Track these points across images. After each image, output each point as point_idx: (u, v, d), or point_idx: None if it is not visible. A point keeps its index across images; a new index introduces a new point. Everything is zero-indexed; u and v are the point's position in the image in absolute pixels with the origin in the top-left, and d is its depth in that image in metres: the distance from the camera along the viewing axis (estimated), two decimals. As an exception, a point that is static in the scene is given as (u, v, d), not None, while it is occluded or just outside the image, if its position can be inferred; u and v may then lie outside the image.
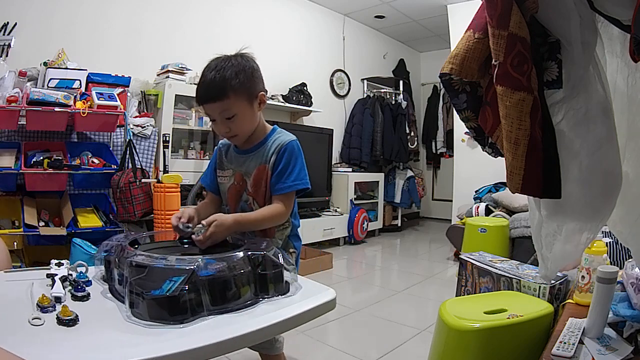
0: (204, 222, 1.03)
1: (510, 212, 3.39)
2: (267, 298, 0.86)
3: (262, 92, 1.17)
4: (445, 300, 1.29)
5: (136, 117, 2.97)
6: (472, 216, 3.50)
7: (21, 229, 2.33)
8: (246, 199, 1.22)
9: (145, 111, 3.05)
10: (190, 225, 1.09)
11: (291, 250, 1.26)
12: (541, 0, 0.71)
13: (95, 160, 2.64)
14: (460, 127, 4.39)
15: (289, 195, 1.18)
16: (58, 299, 0.80)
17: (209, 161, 1.39)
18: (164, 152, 2.98)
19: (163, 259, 0.81)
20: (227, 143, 1.30)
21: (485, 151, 0.89)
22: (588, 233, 0.79)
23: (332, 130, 4.66)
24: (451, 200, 4.70)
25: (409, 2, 4.66)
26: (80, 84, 2.61)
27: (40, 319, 0.71)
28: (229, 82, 1.08)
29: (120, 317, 0.75)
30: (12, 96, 2.28)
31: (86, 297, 0.84)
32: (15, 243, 2.39)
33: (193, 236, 1.03)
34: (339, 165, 4.81)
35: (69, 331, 0.69)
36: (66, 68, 2.61)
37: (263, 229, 1.20)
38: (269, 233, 1.21)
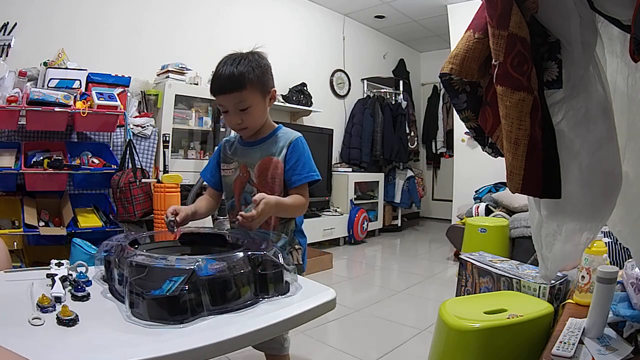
0: (255, 197, 1.05)
1: (510, 212, 3.39)
2: (267, 298, 0.86)
3: (274, 89, 1.24)
4: (445, 300, 1.29)
5: (136, 117, 2.97)
6: (472, 216, 3.50)
7: (21, 229, 2.33)
8: (250, 190, 1.24)
9: (145, 111, 3.05)
10: (175, 223, 1.12)
11: (297, 246, 1.27)
12: (541, 0, 0.71)
13: (95, 160, 2.64)
14: (460, 127, 4.39)
15: (305, 187, 1.22)
16: (58, 299, 0.80)
17: (209, 160, 1.39)
18: (164, 152, 2.98)
19: (163, 259, 0.81)
20: (231, 139, 1.33)
21: (485, 151, 0.89)
22: (588, 233, 0.79)
23: (332, 130, 4.66)
24: (451, 200, 4.70)
25: (409, 2, 4.66)
26: (80, 84, 2.61)
27: (40, 319, 0.71)
28: (247, 75, 1.14)
29: (120, 317, 0.75)
30: (12, 96, 2.28)
31: (86, 297, 0.84)
32: (15, 243, 2.39)
33: (241, 213, 1.04)
34: (339, 165, 4.81)
35: (69, 331, 0.69)
36: (66, 68, 2.61)
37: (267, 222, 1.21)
38: (274, 224, 1.23)
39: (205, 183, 1.38)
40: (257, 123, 1.23)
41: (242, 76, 1.13)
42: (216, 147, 1.38)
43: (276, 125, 1.30)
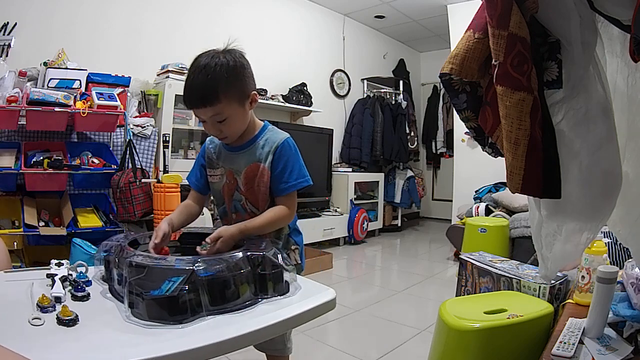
0: (208, 239, 1.00)
1: (510, 212, 3.39)
2: (267, 298, 0.86)
3: (254, 92, 1.13)
4: (445, 300, 1.29)
5: (136, 117, 2.97)
6: (472, 216, 3.50)
7: (21, 229, 2.33)
8: (239, 199, 1.19)
9: (145, 111, 3.05)
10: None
11: (293, 247, 1.23)
12: (541, 0, 0.71)
13: (95, 160, 2.64)
14: (460, 127, 4.39)
15: (293, 195, 1.16)
16: (58, 299, 0.80)
17: (194, 161, 1.33)
18: (164, 152, 2.98)
19: (162, 259, 0.81)
20: (215, 141, 1.25)
21: (485, 151, 0.89)
22: (588, 233, 0.79)
23: (332, 130, 4.65)
24: (451, 200, 4.70)
25: (409, 2, 4.66)
26: (80, 84, 2.61)
27: (40, 319, 0.71)
28: (220, 86, 1.04)
29: (120, 317, 0.75)
30: (12, 96, 2.28)
31: (86, 297, 0.84)
32: (15, 243, 2.39)
33: (199, 250, 0.99)
34: (339, 165, 4.81)
35: (69, 331, 0.69)
36: (66, 68, 2.61)
37: None
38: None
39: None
40: (238, 131, 1.14)
41: (214, 89, 1.03)
42: (200, 148, 1.30)
43: (262, 124, 1.21)
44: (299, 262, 1.24)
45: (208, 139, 1.28)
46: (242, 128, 1.15)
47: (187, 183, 1.30)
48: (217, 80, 1.04)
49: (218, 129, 1.10)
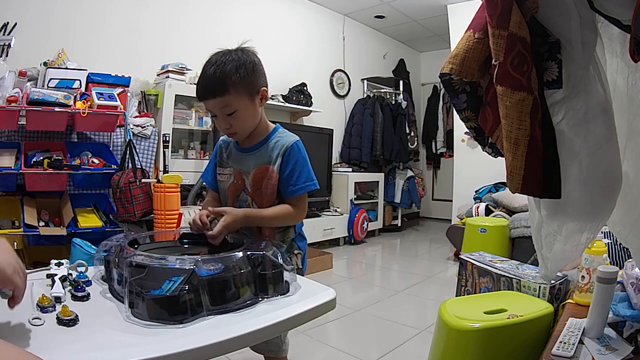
0: (210, 209, 1.02)
1: (510, 212, 3.39)
2: (267, 298, 0.86)
3: (264, 88, 1.15)
4: (445, 300, 1.29)
5: (136, 117, 2.97)
6: (472, 216, 3.50)
7: (21, 229, 2.33)
8: (244, 199, 1.19)
9: (145, 111, 3.05)
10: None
11: (296, 251, 1.23)
12: (541, 1, 0.71)
13: (95, 160, 2.64)
14: (460, 127, 4.39)
15: (302, 197, 1.17)
16: (58, 299, 0.79)
17: (208, 161, 1.36)
18: (164, 152, 2.98)
19: (162, 259, 0.81)
20: (228, 140, 1.27)
21: (485, 151, 0.89)
22: (588, 233, 0.79)
23: (332, 130, 4.66)
24: (451, 200, 4.71)
25: (409, 2, 4.66)
26: (80, 84, 2.61)
27: (40, 319, 0.71)
28: (230, 77, 1.06)
29: (120, 317, 0.75)
30: (12, 96, 2.28)
31: (86, 297, 0.84)
32: (15, 243, 2.39)
33: (207, 232, 1.02)
34: (339, 165, 4.81)
35: (69, 331, 0.69)
36: (66, 68, 2.62)
37: (260, 230, 1.19)
38: (269, 235, 1.18)
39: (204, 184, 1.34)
40: (248, 126, 1.16)
41: (224, 80, 1.06)
42: (215, 147, 1.33)
43: (273, 127, 1.23)
44: (300, 267, 1.23)
45: (221, 138, 1.30)
46: (251, 124, 1.16)
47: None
48: (227, 72, 1.07)
49: (228, 122, 1.12)
